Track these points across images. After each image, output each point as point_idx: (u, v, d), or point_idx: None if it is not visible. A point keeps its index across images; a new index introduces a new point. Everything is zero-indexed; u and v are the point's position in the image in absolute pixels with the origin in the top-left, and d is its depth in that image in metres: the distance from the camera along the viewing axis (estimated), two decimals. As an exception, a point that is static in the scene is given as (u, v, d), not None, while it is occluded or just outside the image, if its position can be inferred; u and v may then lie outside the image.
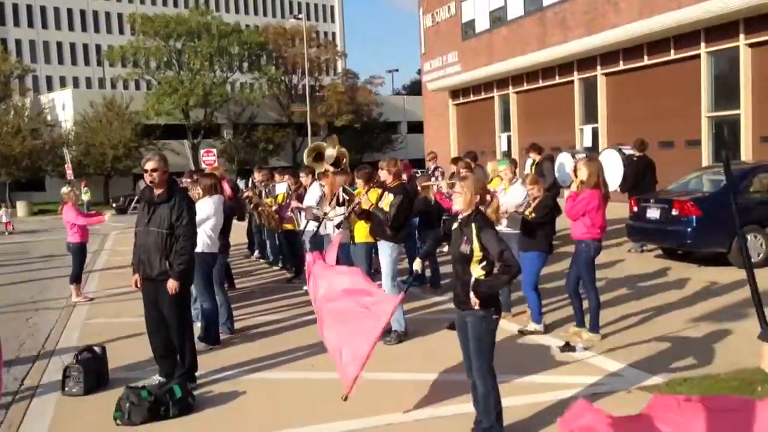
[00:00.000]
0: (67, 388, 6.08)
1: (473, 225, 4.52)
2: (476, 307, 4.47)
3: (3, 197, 43.14)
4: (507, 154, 25.56)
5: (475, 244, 4.48)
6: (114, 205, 37.38)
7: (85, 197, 30.31)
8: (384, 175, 7.76)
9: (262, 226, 13.28)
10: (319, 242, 9.56)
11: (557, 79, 23.12)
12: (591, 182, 6.97)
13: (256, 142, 51.65)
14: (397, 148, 56.19)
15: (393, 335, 7.30)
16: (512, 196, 7.93)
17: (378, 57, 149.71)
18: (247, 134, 51.82)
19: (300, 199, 10.51)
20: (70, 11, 72.87)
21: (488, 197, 4.75)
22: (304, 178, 10.84)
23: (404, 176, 10.69)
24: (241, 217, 12.27)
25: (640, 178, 11.96)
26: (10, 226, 26.81)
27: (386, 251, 7.42)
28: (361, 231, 7.73)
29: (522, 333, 7.28)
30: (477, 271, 4.52)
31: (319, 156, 11.07)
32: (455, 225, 4.73)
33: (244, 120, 52.21)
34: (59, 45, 72.77)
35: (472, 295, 4.47)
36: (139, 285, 6.17)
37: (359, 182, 8.20)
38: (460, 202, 4.62)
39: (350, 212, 7.63)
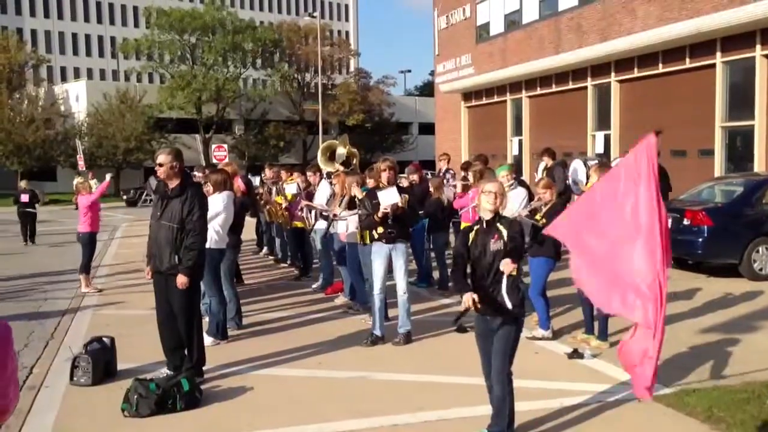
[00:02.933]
0: (75, 378, 6.12)
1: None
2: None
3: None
4: (518, 158, 25.53)
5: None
6: (125, 197, 37.53)
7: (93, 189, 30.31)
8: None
9: (270, 222, 13.31)
10: (329, 241, 9.58)
11: (571, 85, 23.05)
12: (600, 188, 6.91)
13: (267, 138, 51.76)
14: (407, 149, 56.18)
15: (400, 336, 7.30)
16: (511, 201, 7.91)
17: (391, 57, 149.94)
18: (258, 130, 51.97)
19: (310, 198, 10.50)
20: (86, 2, 73.30)
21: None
22: (311, 177, 10.85)
23: (416, 177, 10.71)
24: (254, 214, 12.31)
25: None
26: None
27: (405, 252, 7.43)
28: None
29: (530, 339, 7.25)
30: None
31: (333, 155, 11.05)
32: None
33: (256, 116, 52.37)
34: (74, 36, 73.17)
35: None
36: (150, 277, 6.21)
37: (370, 182, 8.18)
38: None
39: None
